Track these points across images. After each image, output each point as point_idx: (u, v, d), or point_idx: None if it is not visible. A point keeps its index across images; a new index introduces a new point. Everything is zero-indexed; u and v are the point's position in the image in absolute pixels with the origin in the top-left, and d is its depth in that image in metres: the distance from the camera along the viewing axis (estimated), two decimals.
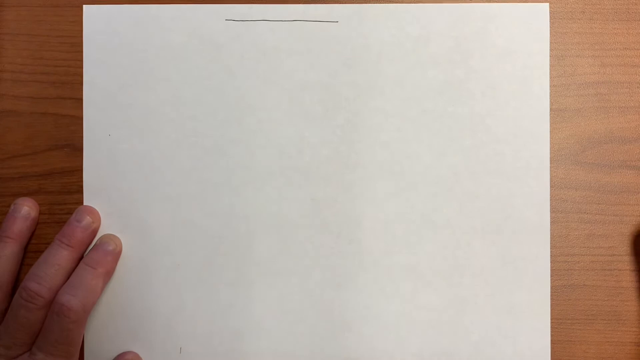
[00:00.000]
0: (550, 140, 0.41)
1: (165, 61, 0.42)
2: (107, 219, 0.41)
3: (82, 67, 0.42)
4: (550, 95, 0.41)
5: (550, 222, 0.41)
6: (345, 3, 0.41)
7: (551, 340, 0.41)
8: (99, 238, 0.41)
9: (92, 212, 0.41)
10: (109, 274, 0.41)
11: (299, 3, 0.42)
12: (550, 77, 0.41)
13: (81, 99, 0.42)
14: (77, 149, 0.42)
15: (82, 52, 0.42)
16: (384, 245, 0.41)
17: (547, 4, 0.41)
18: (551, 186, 0.41)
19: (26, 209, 0.41)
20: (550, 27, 0.41)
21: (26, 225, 0.41)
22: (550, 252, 0.41)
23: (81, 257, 0.40)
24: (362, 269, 0.41)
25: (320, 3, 0.41)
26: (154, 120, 0.42)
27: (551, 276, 0.41)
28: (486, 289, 0.40)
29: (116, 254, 0.41)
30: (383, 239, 0.41)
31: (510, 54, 0.41)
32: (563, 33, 0.42)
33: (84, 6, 0.42)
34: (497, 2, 0.41)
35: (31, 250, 0.42)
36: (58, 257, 0.39)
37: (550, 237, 0.41)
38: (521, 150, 0.41)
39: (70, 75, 0.42)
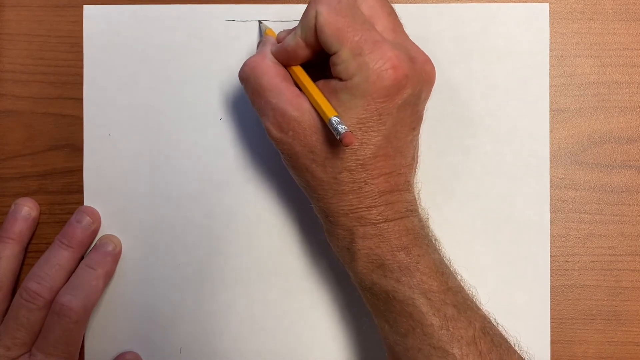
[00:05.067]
0: (550, 140, 0.41)
1: (165, 61, 0.42)
2: (107, 219, 0.41)
3: (82, 67, 0.42)
4: (550, 95, 0.41)
5: (550, 222, 0.41)
6: None
7: (551, 340, 0.41)
8: (99, 239, 0.41)
9: (92, 212, 0.41)
10: (109, 275, 0.41)
11: (299, 3, 0.42)
12: (550, 77, 0.41)
13: (81, 99, 0.42)
14: (77, 149, 0.42)
15: (82, 52, 0.42)
16: None
17: (547, 4, 0.41)
18: (551, 186, 0.41)
19: (27, 210, 0.41)
20: (550, 27, 0.41)
21: (27, 226, 0.41)
22: (550, 252, 0.41)
23: (82, 258, 0.41)
24: None
25: None
26: (154, 120, 0.42)
27: (551, 276, 0.41)
28: (486, 289, 0.40)
29: (116, 255, 0.41)
30: None
31: (510, 54, 0.41)
32: (563, 33, 0.42)
33: (84, 6, 0.42)
34: (497, 2, 0.41)
35: (31, 250, 0.42)
36: (59, 258, 0.39)
37: (550, 237, 0.41)
38: (521, 150, 0.41)
39: (70, 75, 0.42)
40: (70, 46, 0.42)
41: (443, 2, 0.42)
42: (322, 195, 0.34)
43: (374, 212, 0.33)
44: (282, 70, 0.35)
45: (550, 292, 0.41)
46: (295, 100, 0.34)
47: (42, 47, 0.42)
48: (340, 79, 0.33)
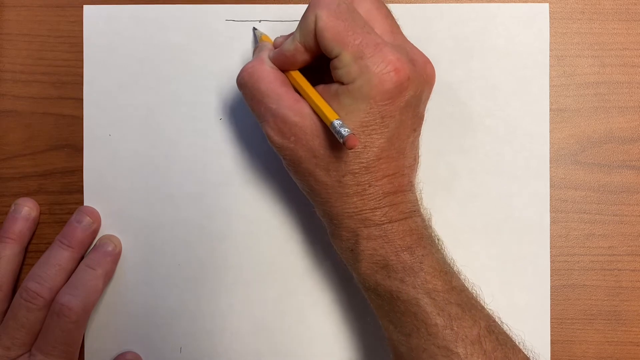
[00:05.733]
0: (550, 140, 0.41)
1: (165, 61, 0.42)
2: (107, 219, 0.41)
3: (82, 67, 0.42)
4: (550, 95, 0.41)
5: (550, 222, 0.41)
6: None
7: (551, 340, 0.41)
8: (99, 239, 0.41)
9: (92, 212, 0.41)
10: (108, 275, 0.41)
11: (299, 3, 0.42)
12: (550, 77, 0.41)
13: (81, 99, 0.42)
14: (77, 149, 0.42)
15: (82, 52, 0.42)
16: None
17: (547, 4, 0.41)
18: (551, 186, 0.41)
19: (27, 210, 0.41)
20: (550, 27, 0.41)
21: (27, 226, 0.41)
22: (550, 252, 0.41)
23: (81, 258, 0.41)
24: None
25: None
26: (154, 120, 0.42)
27: (551, 276, 0.41)
28: (486, 289, 0.40)
29: (115, 255, 0.41)
30: None
31: (510, 54, 0.41)
32: (563, 33, 0.42)
33: (84, 6, 0.42)
34: (497, 2, 0.41)
35: (31, 250, 0.42)
36: (59, 258, 0.39)
37: (550, 237, 0.41)
38: (521, 150, 0.41)
39: (71, 75, 0.42)
40: (70, 46, 0.42)
41: (443, 2, 0.42)
42: (325, 198, 0.34)
43: (378, 213, 0.33)
44: (280, 75, 0.35)
45: (550, 292, 0.41)
46: (296, 106, 0.34)
47: (42, 47, 0.42)
48: (342, 83, 0.33)
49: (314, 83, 0.35)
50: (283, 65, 0.35)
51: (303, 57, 0.34)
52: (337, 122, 0.31)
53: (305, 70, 0.36)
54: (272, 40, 0.39)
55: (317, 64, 0.35)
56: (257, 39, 0.40)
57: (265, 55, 0.36)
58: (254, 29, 0.41)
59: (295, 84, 0.35)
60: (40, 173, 0.42)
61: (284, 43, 0.35)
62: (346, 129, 0.31)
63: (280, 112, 0.34)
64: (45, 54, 0.42)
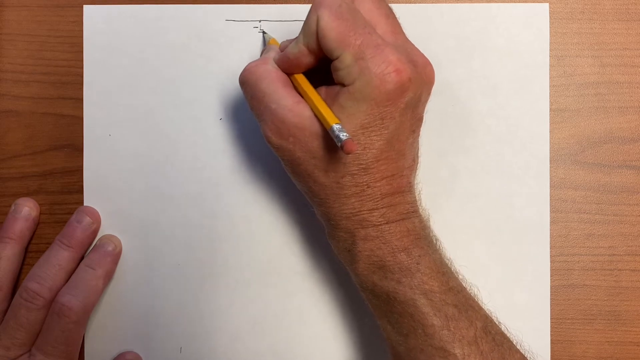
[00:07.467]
0: (550, 140, 0.41)
1: (165, 61, 0.42)
2: (107, 219, 0.41)
3: (82, 67, 0.42)
4: (550, 95, 0.41)
5: (550, 222, 0.41)
6: None
7: (551, 340, 0.41)
8: (99, 239, 0.41)
9: (92, 212, 0.41)
10: (108, 275, 0.41)
11: (299, 3, 0.42)
12: (550, 77, 0.41)
13: (81, 99, 0.42)
14: (77, 149, 0.42)
15: (82, 52, 0.42)
16: None
17: (547, 4, 0.41)
18: (551, 186, 0.41)
19: (27, 210, 0.41)
20: (550, 27, 0.41)
21: (27, 226, 0.41)
22: (550, 252, 0.41)
23: (82, 258, 0.41)
24: None
25: None
26: (154, 120, 0.42)
27: (551, 276, 0.41)
28: (486, 289, 0.40)
29: (115, 255, 0.41)
30: None
31: (510, 54, 0.41)
32: (563, 33, 0.42)
33: (84, 6, 0.42)
34: (497, 2, 0.41)
35: (31, 250, 0.42)
36: (59, 258, 0.39)
37: (550, 237, 0.41)
38: (521, 150, 0.41)
39: (71, 75, 0.42)
40: (70, 46, 0.42)
41: (444, 2, 0.42)
42: (324, 199, 0.34)
43: (376, 214, 0.33)
44: (282, 75, 0.35)
45: (550, 292, 0.41)
46: (296, 107, 0.33)
47: (42, 47, 0.42)
48: (343, 84, 0.33)
49: (318, 85, 0.35)
50: (288, 69, 0.35)
51: (307, 59, 0.34)
52: (336, 127, 0.31)
53: (311, 74, 0.36)
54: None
55: (322, 67, 0.35)
56: (265, 42, 0.40)
57: (270, 56, 0.36)
58: (263, 32, 0.41)
59: (298, 86, 0.35)
60: (40, 173, 0.42)
61: (288, 46, 0.35)
62: (345, 134, 0.31)
63: (280, 112, 0.33)
64: (45, 54, 0.42)
